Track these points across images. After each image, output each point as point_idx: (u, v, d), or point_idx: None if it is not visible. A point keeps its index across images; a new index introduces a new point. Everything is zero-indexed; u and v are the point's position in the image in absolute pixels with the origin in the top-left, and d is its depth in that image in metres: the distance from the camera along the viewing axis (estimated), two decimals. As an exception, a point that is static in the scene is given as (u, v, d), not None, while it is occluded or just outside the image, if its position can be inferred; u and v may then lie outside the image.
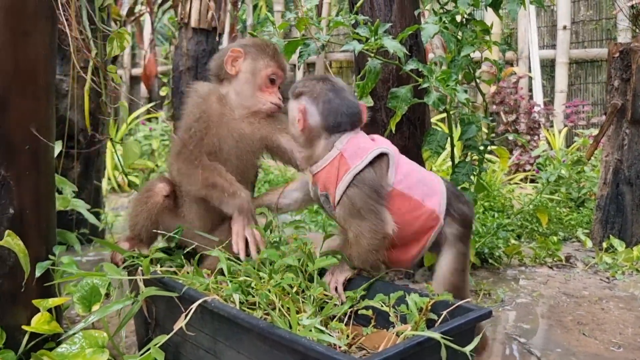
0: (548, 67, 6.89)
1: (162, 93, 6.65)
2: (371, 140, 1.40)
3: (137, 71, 9.09)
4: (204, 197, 1.50)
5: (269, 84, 1.56)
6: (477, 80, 2.16)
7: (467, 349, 1.02)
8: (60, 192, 2.35)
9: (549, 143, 5.99)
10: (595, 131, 4.50)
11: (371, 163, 1.31)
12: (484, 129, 2.77)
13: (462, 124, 2.00)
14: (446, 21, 1.95)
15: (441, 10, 2.03)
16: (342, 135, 1.36)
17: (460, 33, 2.00)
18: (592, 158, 4.19)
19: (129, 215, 1.62)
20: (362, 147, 1.35)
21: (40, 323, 1.40)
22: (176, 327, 1.16)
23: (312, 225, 3.07)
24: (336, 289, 1.35)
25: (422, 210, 1.36)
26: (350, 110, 1.37)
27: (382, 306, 1.20)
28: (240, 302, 1.28)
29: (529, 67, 6.74)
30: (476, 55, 2.27)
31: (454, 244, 1.42)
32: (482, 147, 2.15)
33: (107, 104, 1.66)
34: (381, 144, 1.38)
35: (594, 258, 3.00)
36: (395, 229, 1.31)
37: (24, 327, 1.40)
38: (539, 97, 6.59)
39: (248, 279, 1.29)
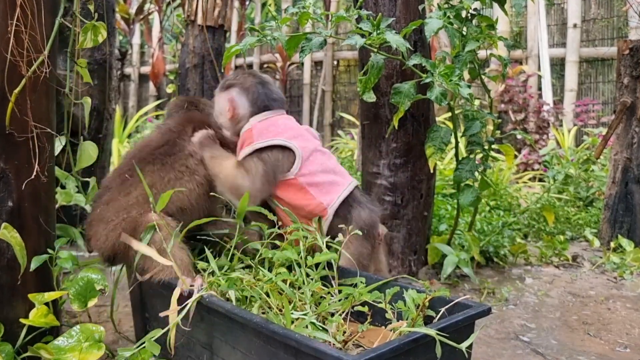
0: (558, 65, 6.81)
1: (169, 90, 6.68)
2: (291, 128, 1.58)
3: (145, 69, 9.13)
4: None
5: None
6: (482, 77, 2.13)
7: (463, 345, 1.00)
8: (63, 187, 2.35)
9: (558, 142, 5.93)
10: (605, 130, 4.44)
11: (270, 148, 1.51)
12: (489, 126, 2.74)
13: (466, 120, 1.98)
14: (451, 16, 1.93)
15: (446, 5, 2.01)
16: (261, 114, 1.59)
17: (464, 28, 1.97)
18: (602, 157, 4.14)
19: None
20: (271, 130, 1.55)
21: (37, 316, 1.40)
22: (171, 324, 1.15)
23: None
24: None
25: (311, 201, 1.54)
26: (273, 96, 1.61)
27: (380, 302, 1.19)
28: (236, 299, 1.27)
29: (539, 66, 6.68)
30: (483, 53, 2.24)
31: (348, 243, 1.48)
32: (486, 144, 2.12)
33: (70, 97, 1.64)
34: (299, 137, 1.56)
35: (601, 258, 2.95)
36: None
37: (22, 320, 1.40)
38: (548, 96, 6.53)
39: (241, 276, 1.28)
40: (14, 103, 1.38)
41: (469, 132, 2.02)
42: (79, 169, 1.70)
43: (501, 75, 2.14)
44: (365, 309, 1.17)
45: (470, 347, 1.03)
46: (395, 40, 1.77)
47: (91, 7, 1.53)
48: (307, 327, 1.11)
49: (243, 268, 1.42)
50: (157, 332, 1.25)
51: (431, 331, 0.98)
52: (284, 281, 1.25)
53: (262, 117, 1.59)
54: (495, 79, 2.20)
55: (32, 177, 1.43)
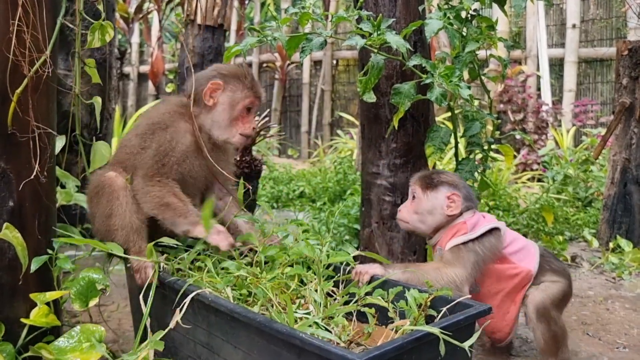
0: (557, 66, 6.83)
1: (168, 90, 6.67)
2: (482, 217, 1.65)
3: (144, 68, 9.13)
4: (155, 216, 1.48)
5: (245, 113, 1.57)
6: (482, 78, 2.13)
7: (466, 344, 1.00)
8: (63, 187, 2.35)
9: (556, 142, 5.94)
10: (604, 131, 4.45)
11: (483, 235, 1.56)
12: (489, 126, 2.75)
13: (465, 121, 1.98)
14: (451, 17, 1.93)
15: (446, 6, 2.01)
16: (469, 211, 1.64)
17: (464, 29, 1.97)
18: (600, 157, 4.15)
19: (107, 231, 1.51)
20: (479, 222, 1.61)
21: (38, 316, 1.40)
22: (172, 324, 1.15)
23: (315, 222, 3.06)
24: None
25: (518, 270, 1.61)
26: (473, 197, 1.68)
27: (385, 302, 1.19)
28: (239, 298, 1.27)
29: (537, 66, 6.69)
30: (483, 54, 2.24)
31: (560, 284, 1.64)
32: (486, 145, 2.12)
33: (80, 98, 1.64)
34: (490, 220, 1.64)
35: (600, 258, 2.96)
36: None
37: (23, 320, 1.40)
38: (547, 96, 6.54)
39: (243, 274, 1.28)
40: (16, 103, 1.38)
41: (468, 133, 2.02)
42: (93, 170, 1.70)
43: (501, 76, 2.14)
44: (372, 310, 1.17)
45: (472, 346, 1.03)
46: (395, 41, 1.77)
47: (100, 7, 1.53)
48: (310, 326, 1.11)
49: (246, 264, 1.42)
50: (160, 334, 1.25)
51: (435, 329, 0.99)
52: (292, 277, 1.26)
53: (472, 214, 1.64)
54: (495, 79, 2.20)
55: (33, 177, 1.43)
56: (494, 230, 1.58)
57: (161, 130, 1.52)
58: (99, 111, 1.77)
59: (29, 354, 1.39)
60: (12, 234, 1.37)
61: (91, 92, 2.71)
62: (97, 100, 1.76)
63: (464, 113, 2.00)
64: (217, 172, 1.58)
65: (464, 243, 1.54)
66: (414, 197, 1.65)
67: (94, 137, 2.29)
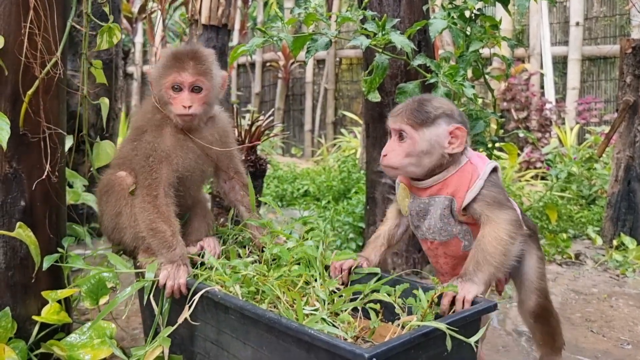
0: (560, 64, 6.82)
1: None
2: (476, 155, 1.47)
3: (148, 68, 9.15)
4: (141, 237, 1.46)
5: (174, 93, 1.46)
6: (486, 77, 2.14)
7: (472, 339, 1.02)
8: (71, 186, 2.38)
9: (560, 140, 5.94)
10: (607, 128, 4.46)
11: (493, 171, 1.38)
12: (493, 125, 2.76)
13: (469, 120, 1.99)
14: (455, 16, 1.94)
15: (450, 6, 2.02)
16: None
17: (468, 28, 1.99)
18: (604, 155, 4.15)
19: (115, 229, 1.52)
20: (480, 156, 1.42)
21: (49, 313, 1.42)
22: (180, 319, 1.17)
23: (320, 221, 3.09)
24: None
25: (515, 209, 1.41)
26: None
27: (391, 298, 1.20)
28: (247, 295, 1.29)
29: (541, 64, 6.69)
30: (486, 52, 2.25)
31: (533, 251, 1.48)
32: (490, 144, 2.13)
33: (88, 99, 1.65)
34: (483, 157, 1.45)
35: (604, 256, 2.97)
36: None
37: (34, 318, 1.43)
38: (550, 94, 6.54)
39: (250, 272, 1.30)
40: (28, 104, 1.40)
41: (472, 132, 2.03)
42: (97, 168, 1.71)
43: (505, 75, 2.16)
44: (377, 306, 1.19)
45: (477, 341, 1.05)
46: (400, 41, 1.78)
47: (106, 9, 1.55)
48: (319, 322, 1.13)
49: (252, 262, 1.45)
50: (168, 330, 1.27)
51: (441, 325, 1.00)
52: (299, 275, 1.27)
53: (469, 150, 1.40)
54: (499, 78, 2.22)
55: (44, 177, 1.46)
56: (496, 168, 1.40)
57: (142, 134, 1.49)
58: (105, 112, 1.79)
59: (41, 350, 1.42)
60: (25, 233, 1.39)
61: (98, 92, 2.74)
62: (104, 101, 1.78)
63: (468, 112, 2.01)
64: (210, 152, 1.54)
65: (487, 186, 1.32)
66: (401, 136, 1.35)
67: (98, 137, 2.32)
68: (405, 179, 1.43)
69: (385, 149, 1.36)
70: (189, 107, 1.44)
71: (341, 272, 1.36)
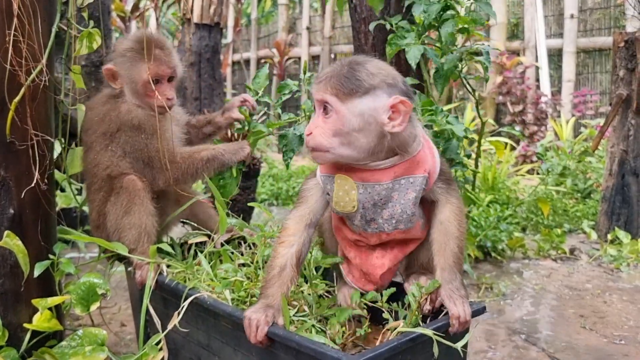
0: (555, 56, 6.82)
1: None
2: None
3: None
4: (207, 174, 1.56)
5: (152, 87, 1.48)
6: (465, 80, 2.07)
7: (459, 345, 1.02)
8: (63, 190, 2.37)
9: (556, 134, 5.94)
10: (603, 121, 4.45)
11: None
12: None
13: (443, 141, 1.89)
14: (426, 41, 1.89)
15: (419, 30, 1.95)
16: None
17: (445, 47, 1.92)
18: (599, 149, 4.15)
19: (117, 229, 1.53)
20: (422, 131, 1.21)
21: (41, 321, 1.42)
22: (170, 326, 1.17)
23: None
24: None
25: None
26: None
27: (378, 304, 1.20)
28: (238, 299, 1.29)
29: (536, 57, 6.68)
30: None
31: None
32: (465, 160, 2.04)
33: (64, 103, 1.65)
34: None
35: (598, 250, 2.98)
36: None
37: (26, 325, 1.42)
38: (546, 87, 6.53)
39: (240, 278, 1.30)
40: (14, 112, 1.39)
41: (448, 154, 1.89)
42: (71, 174, 1.71)
43: (484, 79, 2.08)
44: (364, 312, 1.19)
45: (465, 346, 1.05)
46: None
47: (85, 15, 1.54)
48: (309, 330, 1.13)
49: (240, 265, 1.44)
50: (157, 338, 1.27)
51: (428, 331, 1.00)
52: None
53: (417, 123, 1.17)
54: (477, 78, 2.19)
55: (33, 184, 1.45)
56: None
57: (119, 132, 1.57)
58: (81, 117, 1.78)
59: (33, 358, 1.42)
60: (12, 242, 1.38)
61: (89, 94, 2.72)
62: (81, 107, 1.77)
63: (440, 130, 1.89)
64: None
65: (442, 162, 1.18)
66: (325, 110, 1.07)
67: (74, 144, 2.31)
68: (343, 166, 1.13)
69: (309, 127, 1.08)
70: (172, 98, 1.54)
71: (261, 344, 1.08)
